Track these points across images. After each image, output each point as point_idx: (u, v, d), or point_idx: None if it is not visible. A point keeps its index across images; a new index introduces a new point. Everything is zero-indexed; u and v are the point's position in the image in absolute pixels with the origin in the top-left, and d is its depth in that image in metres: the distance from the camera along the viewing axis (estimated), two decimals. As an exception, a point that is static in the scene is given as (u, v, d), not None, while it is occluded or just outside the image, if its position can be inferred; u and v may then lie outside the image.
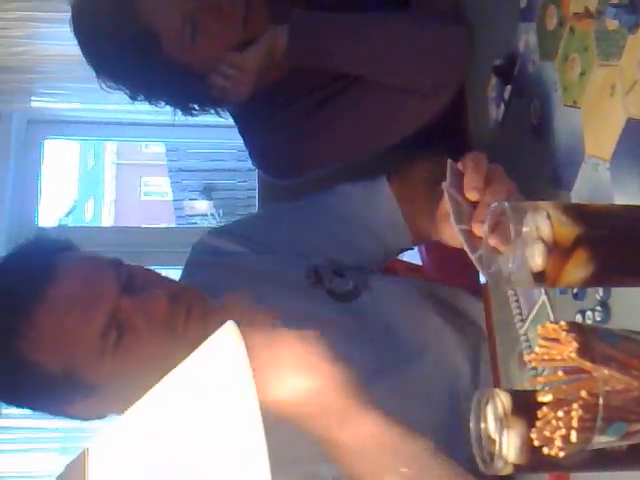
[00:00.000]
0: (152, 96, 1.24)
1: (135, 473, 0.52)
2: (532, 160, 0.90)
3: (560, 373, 0.56)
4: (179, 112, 1.27)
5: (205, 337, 0.77)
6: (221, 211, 8.04)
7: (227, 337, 0.58)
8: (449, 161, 0.84)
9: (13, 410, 1.92)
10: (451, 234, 0.92)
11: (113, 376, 0.91)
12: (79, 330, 0.90)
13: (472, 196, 0.81)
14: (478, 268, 0.74)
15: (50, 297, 0.91)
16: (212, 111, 1.31)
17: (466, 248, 0.78)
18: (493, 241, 0.66)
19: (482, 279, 1.04)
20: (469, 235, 0.79)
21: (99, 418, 0.97)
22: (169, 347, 0.90)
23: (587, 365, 0.55)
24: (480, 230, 0.77)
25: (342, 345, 0.95)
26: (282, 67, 1.24)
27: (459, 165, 0.84)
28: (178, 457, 0.52)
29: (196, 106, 1.27)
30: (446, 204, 0.82)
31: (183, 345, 0.82)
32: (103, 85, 1.22)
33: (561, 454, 0.55)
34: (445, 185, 0.82)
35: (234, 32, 1.18)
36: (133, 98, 1.24)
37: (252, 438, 0.51)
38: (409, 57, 1.18)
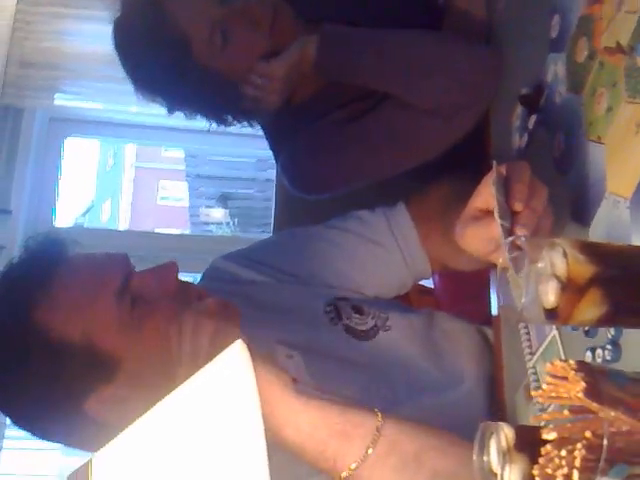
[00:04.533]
0: (188, 108, 1.26)
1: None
2: (552, 192, 0.89)
3: (566, 412, 0.56)
4: (214, 123, 1.29)
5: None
6: (236, 220, 8.07)
7: (236, 356, 0.58)
8: (494, 163, 0.86)
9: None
10: (472, 238, 0.92)
11: (132, 351, 0.91)
12: (94, 292, 0.91)
13: (518, 207, 0.83)
14: (511, 270, 0.76)
15: (62, 272, 0.93)
16: (245, 122, 1.32)
17: (503, 245, 0.80)
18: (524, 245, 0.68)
19: (494, 310, 1.04)
20: (508, 233, 0.81)
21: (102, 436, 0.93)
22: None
23: (594, 406, 0.55)
24: (521, 231, 0.81)
25: (354, 382, 0.97)
26: (312, 83, 1.25)
27: (503, 169, 0.86)
28: (181, 472, 0.52)
29: (230, 117, 1.29)
30: (479, 201, 0.85)
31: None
32: (140, 97, 1.24)
33: (562, 493, 0.55)
34: (492, 181, 0.83)
35: (263, 40, 1.20)
36: (170, 111, 1.26)
37: (255, 456, 0.51)
38: (438, 77, 1.19)
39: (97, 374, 0.90)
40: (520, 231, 0.81)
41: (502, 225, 0.82)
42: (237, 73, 1.20)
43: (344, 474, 0.80)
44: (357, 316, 1.09)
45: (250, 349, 0.74)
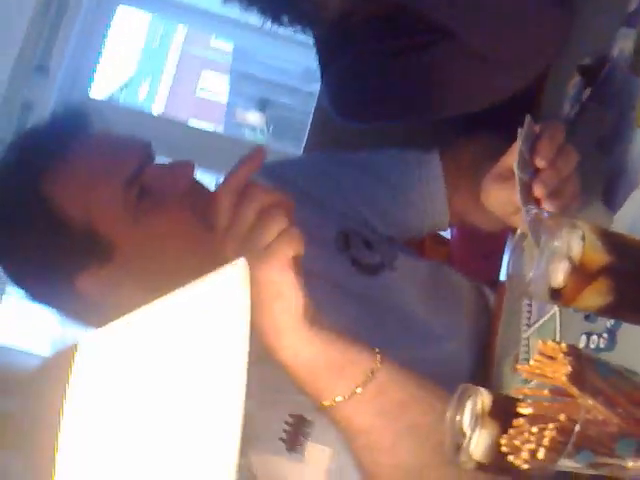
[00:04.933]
0: None
1: (117, 378, 0.53)
2: (588, 170, 0.88)
3: (546, 391, 0.57)
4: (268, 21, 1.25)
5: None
6: (271, 128, 8.02)
7: (235, 274, 0.59)
8: (528, 117, 0.84)
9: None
10: (496, 197, 0.91)
11: (130, 241, 0.91)
12: (103, 176, 0.91)
13: (541, 164, 0.82)
14: (524, 220, 0.77)
15: (81, 146, 0.93)
16: (299, 27, 1.29)
17: (518, 197, 0.79)
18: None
19: (502, 275, 1.04)
20: (525, 187, 0.81)
21: (94, 316, 0.91)
22: (188, 228, 0.90)
23: (574, 391, 0.56)
24: (540, 191, 0.80)
25: (349, 314, 0.97)
26: (378, 2, 1.21)
27: (536, 127, 0.84)
28: (161, 369, 0.53)
29: (286, 17, 1.25)
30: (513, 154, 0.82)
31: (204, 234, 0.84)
32: None
33: (524, 466, 0.56)
34: (520, 132, 0.82)
35: None
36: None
37: (233, 373, 0.53)
38: (505, 23, 1.15)
39: (90, 254, 0.90)
40: (537, 188, 0.80)
41: (519, 177, 0.80)
42: None
43: (326, 403, 0.81)
44: (366, 250, 1.09)
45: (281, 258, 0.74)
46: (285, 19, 1.24)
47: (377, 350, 0.83)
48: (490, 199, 0.93)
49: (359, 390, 0.80)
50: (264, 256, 0.76)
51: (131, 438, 0.52)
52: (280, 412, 0.89)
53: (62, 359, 0.55)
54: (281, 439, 0.87)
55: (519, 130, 0.83)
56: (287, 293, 0.78)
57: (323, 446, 0.86)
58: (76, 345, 0.56)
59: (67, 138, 0.94)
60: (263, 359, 0.84)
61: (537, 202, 0.82)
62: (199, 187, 0.96)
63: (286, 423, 0.87)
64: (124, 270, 0.92)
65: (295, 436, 0.86)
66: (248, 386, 0.57)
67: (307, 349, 0.80)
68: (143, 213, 0.90)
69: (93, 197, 0.90)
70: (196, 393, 0.52)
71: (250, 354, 0.61)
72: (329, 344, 0.81)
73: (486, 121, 1.18)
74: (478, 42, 1.16)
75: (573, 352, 0.56)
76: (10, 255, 0.96)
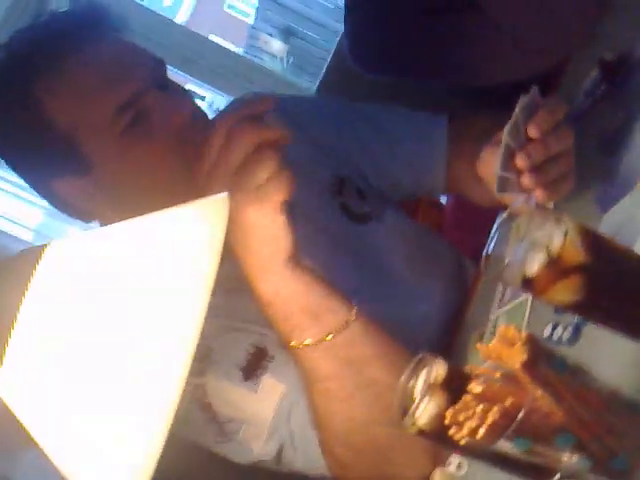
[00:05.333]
0: None
1: (80, 285, 0.54)
2: (585, 166, 0.88)
3: (498, 374, 0.58)
4: None
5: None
6: (291, 59, 7.89)
7: (215, 207, 0.59)
8: (534, 88, 0.84)
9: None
10: (489, 167, 0.90)
11: (110, 163, 0.90)
12: (99, 93, 0.89)
13: (534, 133, 0.81)
14: (495, 187, 0.78)
15: (87, 51, 0.91)
16: None
17: (498, 162, 0.79)
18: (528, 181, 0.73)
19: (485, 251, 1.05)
20: (508, 155, 0.81)
21: (75, 214, 0.96)
22: (173, 166, 0.89)
23: (525, 380, 0.57)
24: (522, 161, 0.79)
25: (328, 256, 0.98)
26: None
27: (540, 99, 0.84)
28: (124, 282, 0.54)
29: None
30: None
31: (185, 176, 0.83)
32: None
33: (462, 441, 0.58)
34: (521, 100, 0.81)
35: None
36: None
37: (199, 284, 0.54)
38: (537, 9, 1.14)
39: (68, 163, 0.91)
40: (520, 158, 0.79)
41: (506, 143, 0.80)
42: None
43: (294, 344, 0.83)
44: (357, 199, 1.09)
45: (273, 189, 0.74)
46: None
47: (354, 302, 0.84)
48: (485, 169, 0.93)
49: (329, 337, 0.82)
50: (254, 198, 0.76)
51: (83, 345, 0.53)
52: (243, 341, 0.91)
53: (30, 255, 0.55)
54: (239, 367, 0.89)
55: (521, 97, 0.82)
56: (276, 235, 0.79)
57: (279, 382, 0.88)
58: (46, 246, 0.57)
59: (77, 35, 0.91)
60: (236, 289, 0.86)
61: (517, 173, 0.82)
62: (200, 122, 0.92)
63: (247, 353, 0.89)
64: (99, 187, 0.92)
65: (253, 367, 0.88)
66: (215, 309, 0.58)
67: (287, 288, 0.82)
68: (129, 140, 0.89)
69: (83, 111, 0.89)
70: (155, 310, 0.53)
71: (224, 282, 0.61)
72: (310, 287, 0.83)
73: (500, 98, 1.17)
74: (504, 18, 1.15)
75: (532, 342, 0.58)
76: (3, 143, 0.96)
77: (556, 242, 0.60)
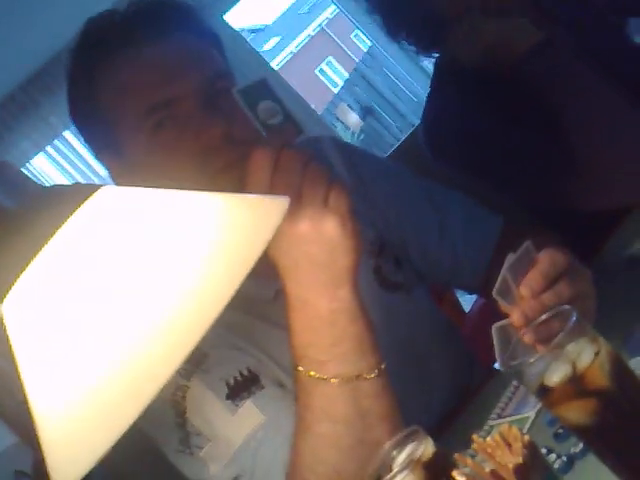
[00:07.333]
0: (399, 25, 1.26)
1: (106, 241, 0.53)
2: (616, 305, 0.86)
3: (487, 470, 0.56)
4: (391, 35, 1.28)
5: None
6: (362, 136, 8.03)
7: (274, 205, 0.58)
8: (528, 243, 0.81)
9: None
10: None
11: (138, 156, 0.93)
12: (139, 91, 0.91)
13: (525, 292, 0.79)
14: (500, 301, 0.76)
15: (147, 52, 0.92)
16: (423, 52, 1.30)
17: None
18: (528, 338, 0.67)
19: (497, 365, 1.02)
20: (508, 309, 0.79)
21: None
22: (193, 177, 0.88)
23: (513, 483, 0.54)
24: (517, 319, 0.75)
25: None
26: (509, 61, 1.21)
27: (534, 252, 0.82)
28: (156, 252, 0.53)
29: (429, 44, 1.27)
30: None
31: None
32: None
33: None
34: (508, 258, 0.79)
35: None
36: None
37: (223, 285, 0.52)
38: (619, 147, 1.14)
39: (106, 143, 0.96)
40: (516, 320, 0.75)
41: (500, 302, 0.78)
42: (457, 8, 1.18)
43: (300, 368, 0.78)
44: (393, 266, 1.07)
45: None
46: (428, 45, 1.26)
47: (383, 364, 0.80)
48: None
49: (333, 381, 0.77)
50: (328, 212, 0.75)
51: (92, 297, 0.52)
52: (241, 361, 0.89)
53: (82, 191, 0.55)
54: (227, 383, 0.86)
55: (509, 255, 0.80)
56: (351, 247, 0.77)
57: (260, 412, 0.85)
58: (101, 186, 0.56)
59: (137, 30, 0.93)
60: (248, 311, 0.84)
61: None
62: (236, 145, 0.88)
63: (240, 373, 0.87)
64: (131, 170, 0.94)
65: (241, 388, 0.86)
66: (227, 323, 0.56)
67: (350, 310, 0.78)
68: (155, 141, 0.90)
69: (122, 104, 0.92)
70: (175, 285, 0.52)
71: (241, 300, 0.60)
72: (357, 315, 0.79)
73: (557, 224, 1.16)
74: (589, 146, 1.15)
75: (531, 450, 0.55)
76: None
77: (585, 359, 0.59)
